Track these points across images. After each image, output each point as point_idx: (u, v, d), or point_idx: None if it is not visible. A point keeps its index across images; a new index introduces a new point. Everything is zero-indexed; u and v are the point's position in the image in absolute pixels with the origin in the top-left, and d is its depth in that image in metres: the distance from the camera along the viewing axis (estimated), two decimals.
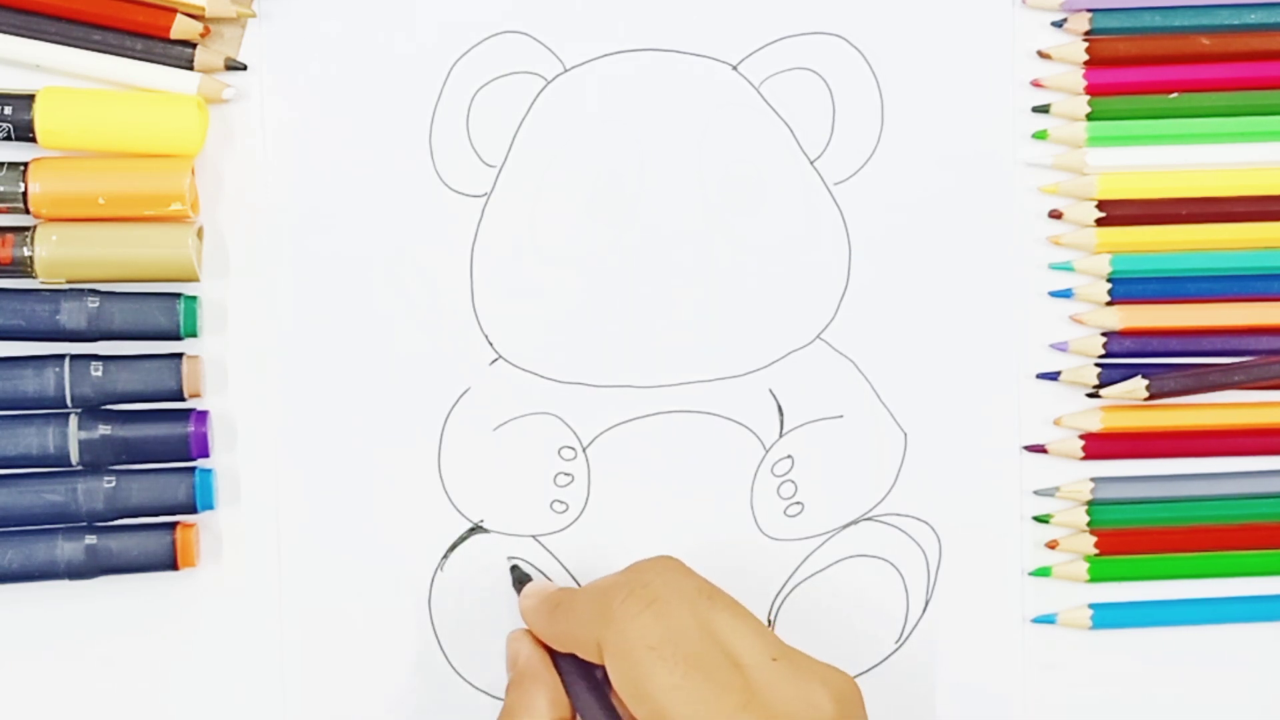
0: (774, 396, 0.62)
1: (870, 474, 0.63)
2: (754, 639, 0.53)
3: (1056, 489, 0.63)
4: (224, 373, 0.61)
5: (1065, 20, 0.63)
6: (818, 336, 0.62)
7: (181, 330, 0.60)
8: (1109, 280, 0.62)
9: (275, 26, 0.61)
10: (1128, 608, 0.63)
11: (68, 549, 0.59)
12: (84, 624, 0.61)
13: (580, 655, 0.56)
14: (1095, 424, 0.63)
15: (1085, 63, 0.62)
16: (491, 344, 0.62)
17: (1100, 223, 0.62)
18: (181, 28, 0.60)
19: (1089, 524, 0.63)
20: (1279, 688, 0.64)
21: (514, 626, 0.61)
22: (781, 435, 0.62)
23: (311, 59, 0.61)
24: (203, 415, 0.60)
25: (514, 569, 0.62)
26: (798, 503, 0.62)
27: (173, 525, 0.60)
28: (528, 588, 0.60)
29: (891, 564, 0.63)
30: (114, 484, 0.59)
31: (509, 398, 0.62)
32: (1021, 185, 0.63)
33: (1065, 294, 0.63)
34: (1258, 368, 0.63)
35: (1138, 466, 0.63)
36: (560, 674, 0.57)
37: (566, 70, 0.62)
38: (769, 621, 0.62)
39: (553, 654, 0.58)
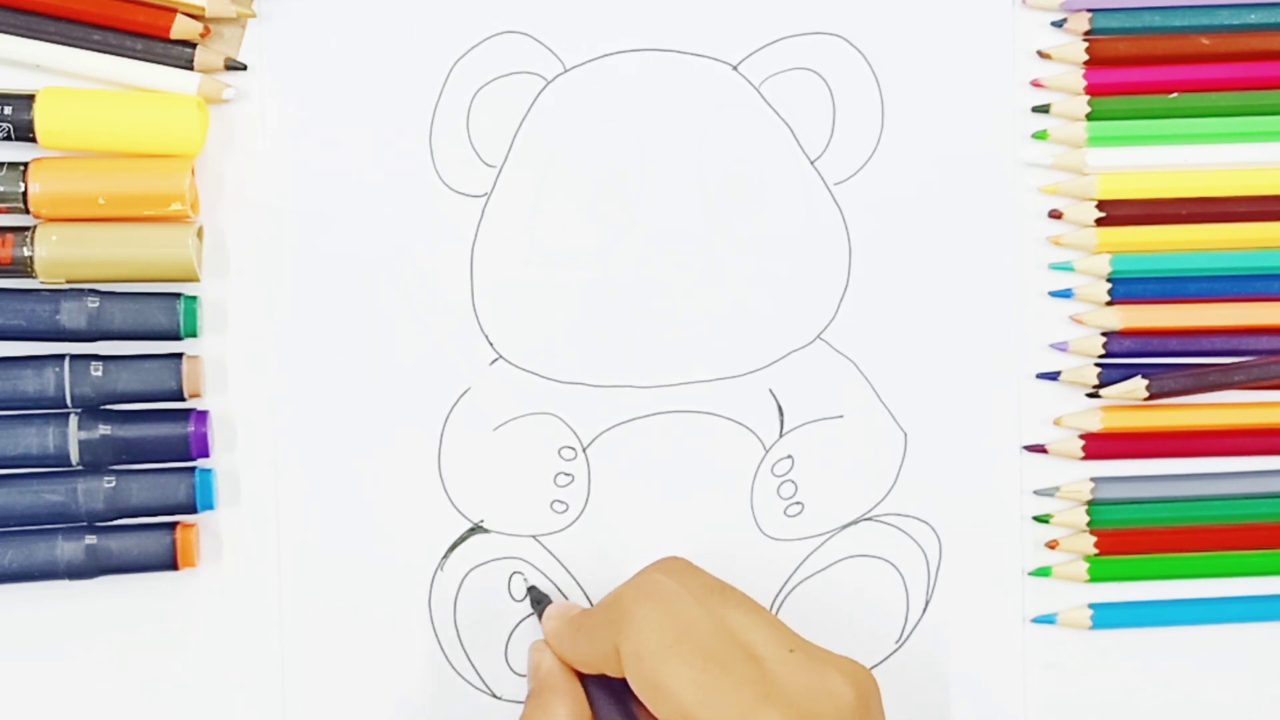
0: (774, 396, 0.62)
1: (870, 474, 0.63)
2: (769, 631, 0.54)
3: (1056, 489, 0.63)
4: (224, 373, 0.61)
5: (1065, 20, 0.63)
6: (818, 336, 0.62)
7: (181, 330, 0.60)
8: (1109, 280, 0.62)
9: (275, 26, 0.61)
10: (1128, 608, 0.63)
11: (68, 549, 0.59)
12: (84, 624, 0.61)
13: (605, 671, 0.55)
14: (1095, 424, 0.63)
15: (1085, 63, 0.62)
16: (491, 344, 0.62)
17: (1100, 223, 0.62)
18: (181, 28, 0.60)
19: (1089, 524, 0.63)
20: (1279, 688, 0.64)
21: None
22: (781, 435, 0.62)
23: (311, 59, 0.61)
24: (203, 415, 0.60)
25: (531, 589, 0.61)
26: (798, 503, 0.62)
27: (173, 525, 0.60)
28: (549, 610, 0.59)
29: (891, 564, 0.63)
30: (114, 484, 0.59)
31: (509, 398, 0.62)
32: (1021, 185, 0.63)
33: (1065, 294, 0.63)
34: (1258, 368, 0.63)
35: (1138, 466, 0.63)
36: (585, 689, 0.57)
37: (566, 70, 0.62)
38: None
39: (580, 674, 0.57)
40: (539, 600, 0.61)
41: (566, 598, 0.62)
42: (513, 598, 0.62)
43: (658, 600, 0.53)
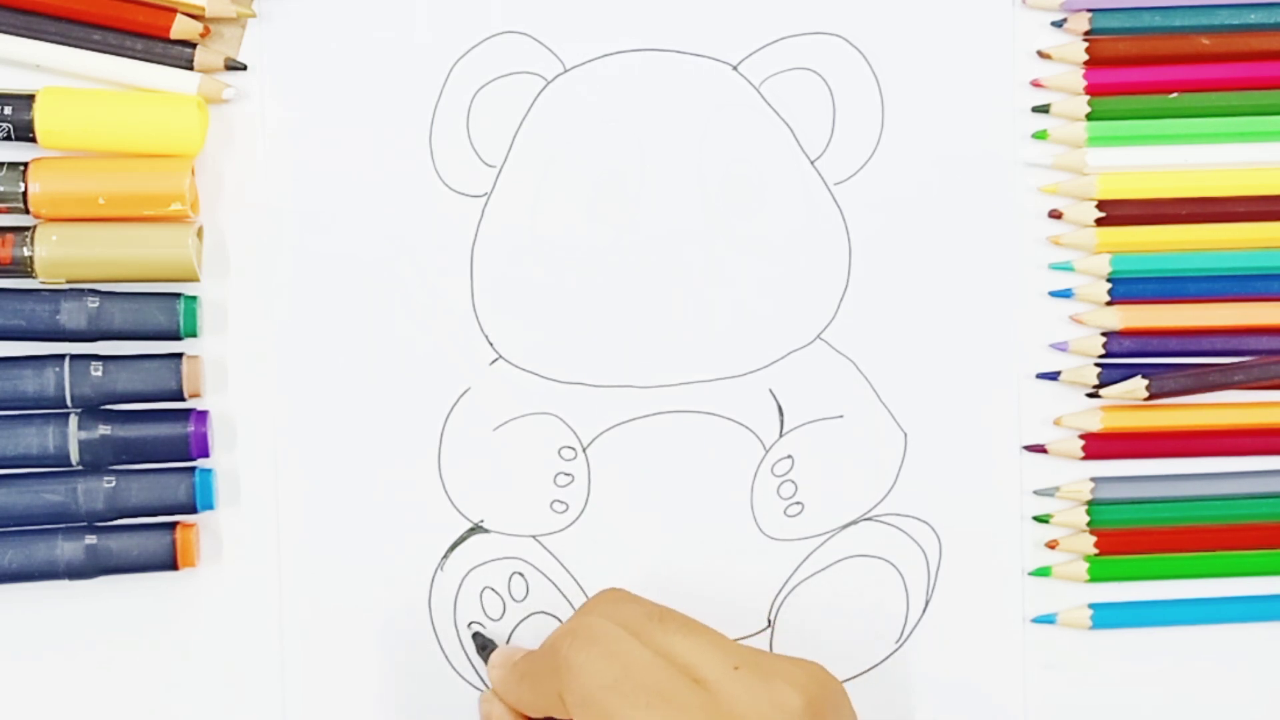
0: (774, 396, 0.62)
1: (870, 474, 0.63)
2: (712, 652, 0.53)
3: (1056, 489, 0.63)
4: (224, 373, 0.61)
5: (1065, 20, 0.63)
6: (818, 336, 0.63)
7: (181, 330, 0.60)
8: (1109, 280, 0.62)
9: (275, 26, 0.61)
10: (1128, 608, 0.63)
11: (68, 549, 0.59)
12: (84, 624, 0.61)
13: (554, 716, 0.54)
14: (1095, 424, 0.63)
15: (1085, 63, 0.62)
16: (491, 344, 0.62)
17: (1100, 223, 0.62)
18: (181, 28, 0.60)
19: (1089, 524, 0.63)
20: (1279, 688, 0.64)
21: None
22: (781, 435, 0.62)
23: (311, 59, 0.61)
24: (203, 415, 0.60)
25: (476, 635, 0.61)
26: (798, 503, 0.62)
27: (173, 525, 0.60)
28: (493, 658, 0.59)
29: (891, 564, 0.63)
30: (114, 484, 0.59)
31: (509, 398, 0.62)
32: (1021, 185, 0.63)
33: (1065, 294, 0.63)
34: (1258, 368, 0.63)
35: (1138, 466, 0.63)
36: None
37: (566, 70, 0.62)
38: (768, 622, 0.62)
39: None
40: (484, 646, 0.61)
41: (570, 603, 0.62)
42: (513, 598, 0.62)
43: (594, 644, 0.53)
